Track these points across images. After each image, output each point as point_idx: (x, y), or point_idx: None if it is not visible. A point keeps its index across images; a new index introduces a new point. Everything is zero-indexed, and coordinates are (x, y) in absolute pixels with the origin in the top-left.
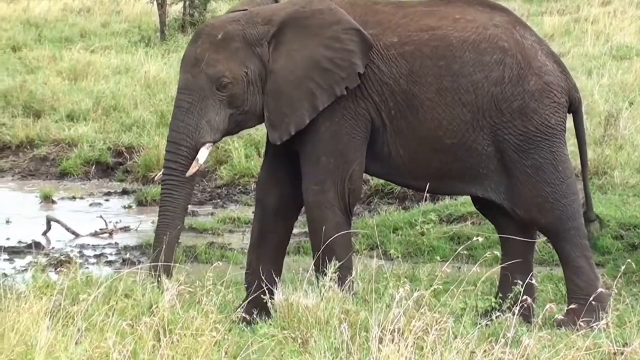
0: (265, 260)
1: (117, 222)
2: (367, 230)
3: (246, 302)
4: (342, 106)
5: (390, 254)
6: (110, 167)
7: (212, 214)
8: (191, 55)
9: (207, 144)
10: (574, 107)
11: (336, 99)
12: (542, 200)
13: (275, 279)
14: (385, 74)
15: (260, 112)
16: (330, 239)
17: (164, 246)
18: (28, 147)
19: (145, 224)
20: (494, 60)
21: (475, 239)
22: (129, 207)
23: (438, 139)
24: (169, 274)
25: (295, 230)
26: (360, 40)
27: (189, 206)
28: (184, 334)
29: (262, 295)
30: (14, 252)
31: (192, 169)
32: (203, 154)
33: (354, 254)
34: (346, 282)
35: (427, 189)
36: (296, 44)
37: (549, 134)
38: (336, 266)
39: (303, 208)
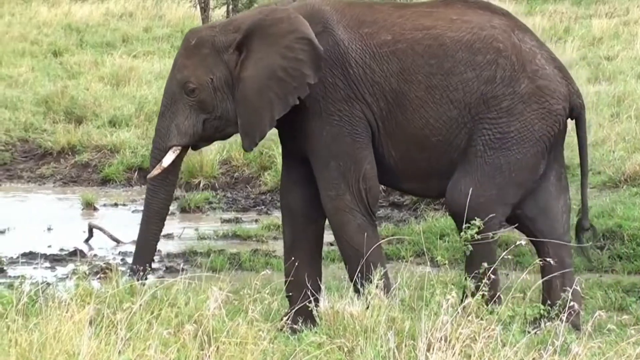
0: (303, 265)
1: None
2: (413, 236)
3: (292, 310)
4: (337, 109)
5: (437, 260)
6: None
7: (256, 220)
8: (174, 60)
9: (174, 147)
10: (575, 113)
11: (331, 102)
12: (481, 201)
13: (318, 284)
14: (377, 73)
15: (235, 118)
16: (356, 245)
17: (141, 249)
18: (70, 153)
19: (189, 231)
20: (487, 60)
21: (518, 243)
22: (172, 214)
23: (425, 137)
24: (143, 276)
25: None
26: (311, 50)
27: (233, 213)
28: (229, 343)
29: (307, 303)
30: (55, 259)
31: (155, 171)
32: (168, 158)
33: (400, 260)
34: (388, 288)
35: (421, 192)
36: (260, 53)
37: (526, 138)
38: (380, 273)
39: None
